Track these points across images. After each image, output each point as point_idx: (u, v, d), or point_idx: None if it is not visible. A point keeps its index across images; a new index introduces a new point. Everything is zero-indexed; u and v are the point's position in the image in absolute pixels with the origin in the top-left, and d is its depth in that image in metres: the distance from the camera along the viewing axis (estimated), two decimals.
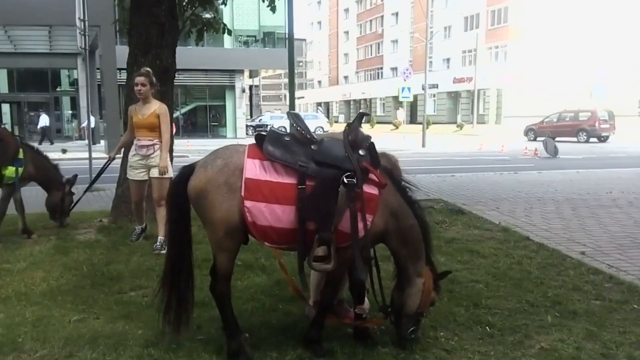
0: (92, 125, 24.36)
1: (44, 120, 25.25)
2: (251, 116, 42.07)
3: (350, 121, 3.12)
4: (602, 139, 25.90)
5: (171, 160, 5.80)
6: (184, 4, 7.30)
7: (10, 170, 5.43)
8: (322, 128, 34.03)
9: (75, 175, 6.32)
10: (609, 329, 3.33)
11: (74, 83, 29.50)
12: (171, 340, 3.06)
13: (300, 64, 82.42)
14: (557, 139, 21.63)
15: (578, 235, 5.84)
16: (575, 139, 25.98)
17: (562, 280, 4.28)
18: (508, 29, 44.48)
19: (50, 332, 3.30)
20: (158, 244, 5.14)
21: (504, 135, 30.80)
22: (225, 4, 8.43)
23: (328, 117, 56.70)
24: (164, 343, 3.06)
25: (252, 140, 2.93)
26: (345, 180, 2.73)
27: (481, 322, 3.43)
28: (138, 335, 3.25)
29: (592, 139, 25.53)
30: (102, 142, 22.20)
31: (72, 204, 6.11)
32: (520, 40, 42.96)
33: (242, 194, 2.70)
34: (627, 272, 4.52)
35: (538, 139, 25.81)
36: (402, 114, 40.50)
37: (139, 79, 5.13)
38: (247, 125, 33.58)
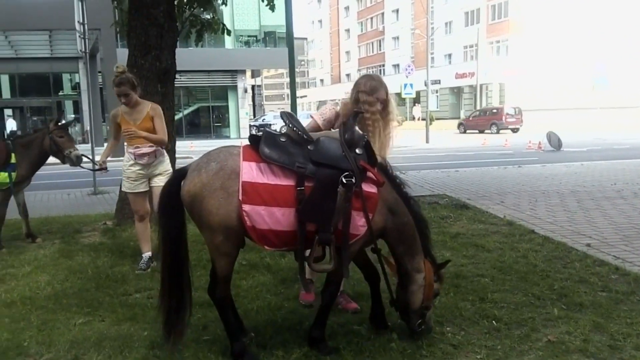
0: (15, 127, 24.33)
1: (10, 125, 25.04)
2: (254, 116, 41.99)
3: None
4: (514, 131, 29.94)
5: (174, 162, 5.79)
6: (183, 4, 7.30)
7: (3, 176, 5.42)
8: None
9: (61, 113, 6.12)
10: (616, 321, 3.31)
11: (76, 87, 29.58)
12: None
13: (302, 62, 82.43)
14: (485, 131, 29.89)
15: (583, 228, 5.80)
16: (489, 131, 30.92)
17: (568, 272, 4.26)
18: (509, 23, 44.35)
19: (56, 336, 3.30)
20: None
21: (507, 129, 30.68)
22: (226, 4, 8.44)
23: None
24: (169, 344, 3.05)
25: (246, 142, 2.87)
26: (344, 180, 2.71)
27: (487, 316, 3.41)
28: (143, 336, 3.24)
29: (502, 130, 29.93)
30: (105, 145, 22.27)
31: (77, 158, 5.59)
32: (521, 34, 42.83)
33: (240, 197, 2.64)
34: (633, 263, 4.48)
35: (468, 131, 32.12)
36: (418, 111, 40.24)
37: (119, 90, 4.50)
38: (250, 125, 33.55)
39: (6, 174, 5.42)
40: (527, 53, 41.78)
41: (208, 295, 3.05)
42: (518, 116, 30.65)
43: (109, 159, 5.03)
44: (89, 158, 5.86)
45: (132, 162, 4.68)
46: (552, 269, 4.35)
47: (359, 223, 2.76)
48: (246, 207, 2.64)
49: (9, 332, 3.35)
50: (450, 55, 51.89)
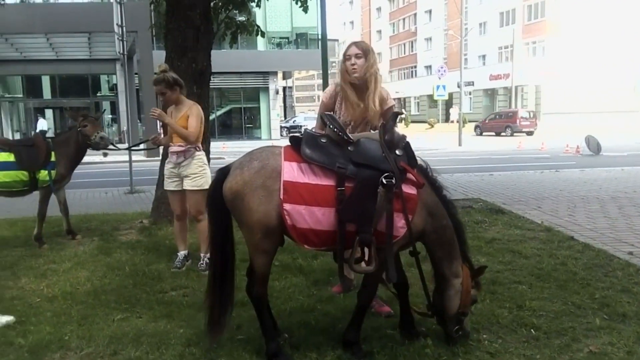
0: (45, 127, 24.95)
1: (41, 124, 25.60)
2: (285, 117, 42.23)
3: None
4: (529, 134, 30.14)
5: (208, 161, 5.85)
6: (218, 7, 7.39)
7: (43, 174, 5.58)
8: None
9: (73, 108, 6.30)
10: None
11: (113, 88, 30.28)
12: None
13: (333, 64, 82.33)
14: (501, 134, 30.83)
15: (625, 235, 5.61)
16: (504, 134, 31.23)
17: (610, 281, 4.12)
18: (545, 23, 43.33)
19: (95, 331, 3.38)
20: (202, 262, 4.70)
21: (544, 132, 30.03)
22: (259, 6, 8.50)
23: None
24: (205, 342, 3.09)
25: (287, 142, 2.92)
26: (384, 181, 2.71)
27: (525, 325, 3.33)
28: (180, 334, 3.30)
29: (516, 134, 30.18)
30: (141, 145, 22.72)
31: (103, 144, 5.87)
32: (558, 34, 41.77)
33: (281, 197, 2.68)
34: None
35: (484, 133, 32.54)
36: (455, 113, 39.68)
37: (155, 89, 4.73)
38: (281, 127, 33.75)
39: (46, 172, 5.60)
40: (565, 54, 40.74)
41: (246, 294, 3.08)
42: (532, 120, 31.19)
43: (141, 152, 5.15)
44: (117, 148, 5.96)
45: (168, 159, 4.86)
46: (593, 277, 4.22)
47: (398, 224, 2.75)
48: (287, 206, 2.68)
49: (51, 326, 3.45)
50: (484, 57, 51.03)
